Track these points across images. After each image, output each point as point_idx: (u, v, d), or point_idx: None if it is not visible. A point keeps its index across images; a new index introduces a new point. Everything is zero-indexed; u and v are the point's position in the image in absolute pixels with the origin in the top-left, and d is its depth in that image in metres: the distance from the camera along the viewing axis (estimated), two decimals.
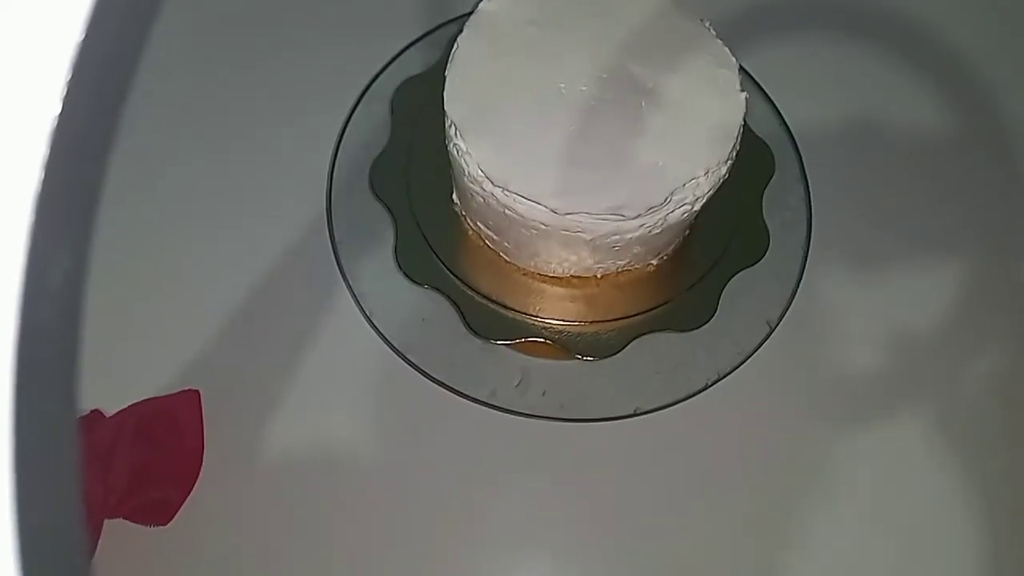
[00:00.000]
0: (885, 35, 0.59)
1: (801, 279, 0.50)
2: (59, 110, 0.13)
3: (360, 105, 0.53)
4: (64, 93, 0.13)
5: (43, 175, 0.13)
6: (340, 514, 0.46)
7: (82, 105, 0.13)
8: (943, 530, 0.47)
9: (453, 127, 0.41)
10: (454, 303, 0.47)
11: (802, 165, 0.52)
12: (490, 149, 0.41)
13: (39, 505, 0.14)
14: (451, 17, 0.56)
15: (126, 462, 0.42)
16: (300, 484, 0.47)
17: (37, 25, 0.13)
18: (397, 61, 0.54)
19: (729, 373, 0.47)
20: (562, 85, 0.42)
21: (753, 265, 0.48)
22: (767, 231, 0.49)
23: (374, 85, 0.54)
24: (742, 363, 0.48)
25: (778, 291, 0.49)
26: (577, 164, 0.41)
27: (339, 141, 0.53)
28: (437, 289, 0.47)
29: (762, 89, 0.53)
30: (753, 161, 0.50)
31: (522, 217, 0.41)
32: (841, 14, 0.60)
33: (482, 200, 0.42)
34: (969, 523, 0.48)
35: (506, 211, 0.41)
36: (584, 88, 0.42)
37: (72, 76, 0.13)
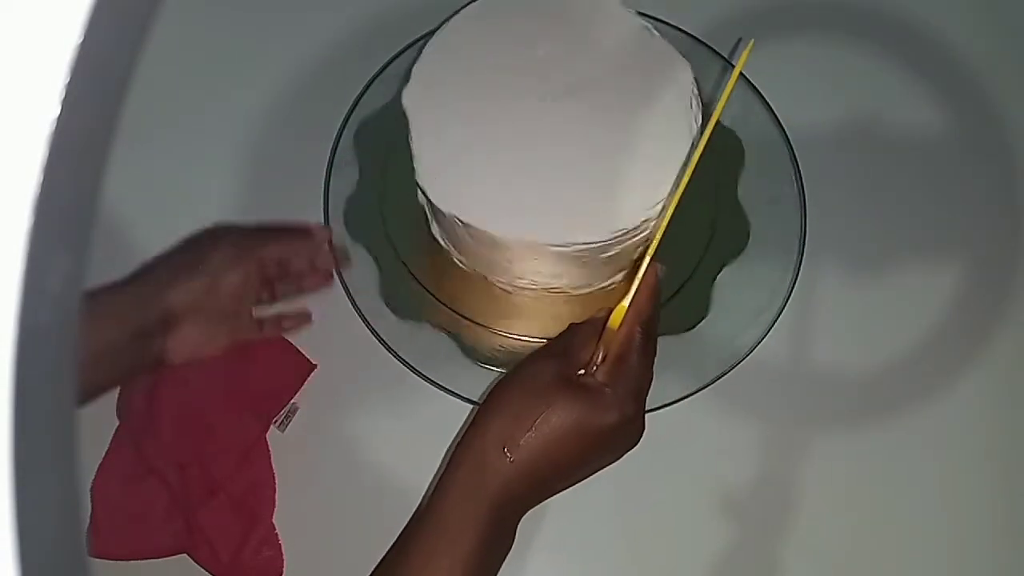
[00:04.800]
0: (884, 36, 0.59)
1: (796, 281, 0.50)
2: (58, 112, 0.13)
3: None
4: (63, 95, 0.13)
5: (42, 178, 0.13)
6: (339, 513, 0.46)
7: (81, 107, 0.13)
8: (941, 529, 0.47)
9: (414, 155, 0.42)
10: (449, 334, 0.48)
11: (797, 167, 0.52)
12: (448, 178, 0.41)
13: (39, 506, 0.14)
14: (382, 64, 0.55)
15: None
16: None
17: (36, 27, 0.13)
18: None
19: (722, 376, 0.48)
20: (523, 107, 0.42)
21: (735, 259, 0.49)
22: (747, 223, 0.50)
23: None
24: (736, 365, 0.48)
25: (775, 293, 0.50)
26: (533, 188, 0.41)
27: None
28: (431, 323, 0.48)
29: (757, 91, 0.53)
30: (723, 151, 0.50)
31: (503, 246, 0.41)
32: (839, 15, 0.60)
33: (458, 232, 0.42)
34: (968, 523, 0.48)
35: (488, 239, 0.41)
36: (544, 111, 0.42)
37: (71, 78, 0.13)
